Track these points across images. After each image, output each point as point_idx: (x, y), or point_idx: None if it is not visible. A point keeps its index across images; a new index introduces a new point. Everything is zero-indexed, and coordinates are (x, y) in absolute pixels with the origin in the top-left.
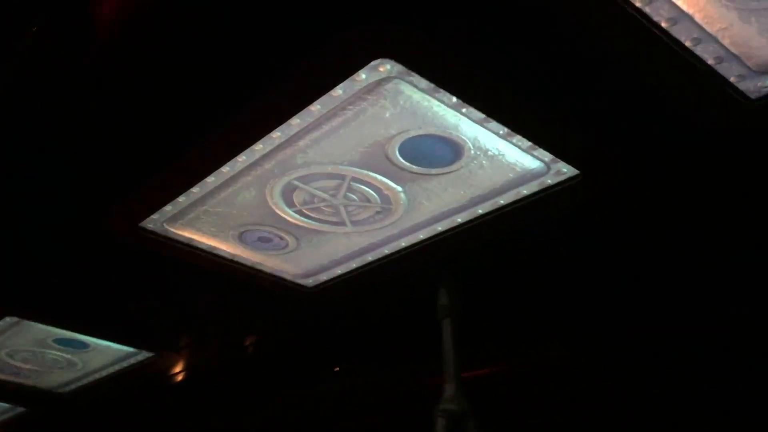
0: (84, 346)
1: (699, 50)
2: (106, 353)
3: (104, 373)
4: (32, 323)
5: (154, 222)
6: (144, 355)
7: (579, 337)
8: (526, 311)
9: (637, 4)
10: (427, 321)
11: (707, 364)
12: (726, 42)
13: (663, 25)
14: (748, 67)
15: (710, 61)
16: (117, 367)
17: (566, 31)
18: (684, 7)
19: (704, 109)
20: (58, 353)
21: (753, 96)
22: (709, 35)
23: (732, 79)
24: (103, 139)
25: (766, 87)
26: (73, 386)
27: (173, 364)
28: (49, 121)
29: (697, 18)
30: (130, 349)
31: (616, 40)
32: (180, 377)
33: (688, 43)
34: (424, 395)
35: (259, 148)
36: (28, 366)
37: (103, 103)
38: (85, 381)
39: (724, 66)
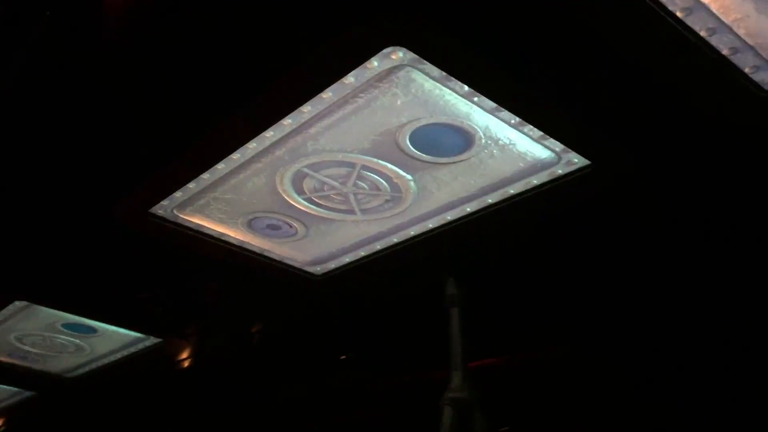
0: (92, 331)
1: (714, 40)
2: (113, 338)
3: (112, 358)
4: (41, 307)
5: (164, 208)
6: (151, 341)
7: (585, 328)
8: (534, 302)
9: None
10: (434, 310)
11: (705, 359)
12: (741, 32)
13: (678, 14)
14: (764, 59)
15: (725, 52)
16: (125, 353)
17: (579, 21)
18: None
19: (718, 100)
20: (67, 338)
21: (767, 87)
22: (725, 25)
23: (747, 70)
24: (115, 126)
25: None
26: (80, 371)
27: (180, 351)
28: (62, 109)
29: (713, 8)
30: (138, 335)
31: (629, 30)
32: (187, 363)
33: (703, 33)
34: (431, 384)
35: (270, 135)
36: (36, 350)
37: (115, 91)
38: (93, 366)
39: (739, 57)
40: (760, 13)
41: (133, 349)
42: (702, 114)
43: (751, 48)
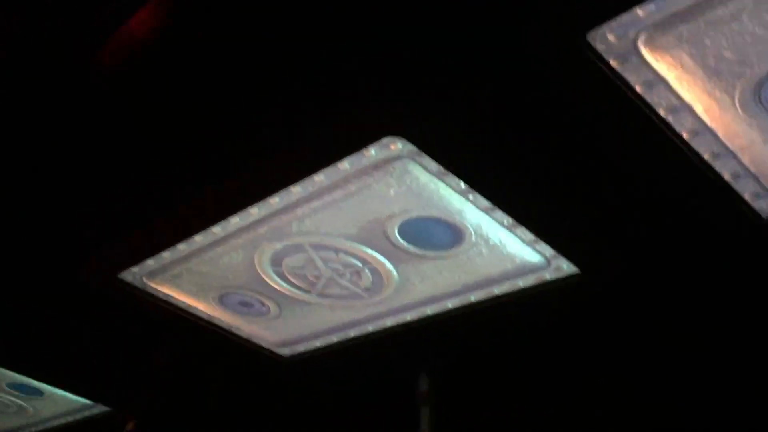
0: (38, 392)
1: (717, 165)
2: (59, 403)
3: (55, 423)
4: None
5: (133, 275)
6: (99, 408)
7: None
8: (507, 405)
9: (661, 113)
10: (403, 405)
11: None
12: (745, 160)
13: (684, 136)
14: (764, 187)
15: (727, 177)
16: (69, 419)
17: (584, 131)
18: (708, 121)
19: (715, 223)
20: (10, 397)
21: (765, 215)
22: (729, 151)
23: (746, 197)
24: (92, 182)
25: None
26: None
27: (127, 422)
28: (39, 162)
29: (720, 133)
30: (86, 401)
31: (635, 147)
32: None
33: (706, 156)
34: None
35: (255, 211)
36: None
37: (98, 148)
38: (33, 429)
39: (741, 183)
40: (765, 142)
41: (78, 416)
42: (698, 234)
43: (753, 175)
